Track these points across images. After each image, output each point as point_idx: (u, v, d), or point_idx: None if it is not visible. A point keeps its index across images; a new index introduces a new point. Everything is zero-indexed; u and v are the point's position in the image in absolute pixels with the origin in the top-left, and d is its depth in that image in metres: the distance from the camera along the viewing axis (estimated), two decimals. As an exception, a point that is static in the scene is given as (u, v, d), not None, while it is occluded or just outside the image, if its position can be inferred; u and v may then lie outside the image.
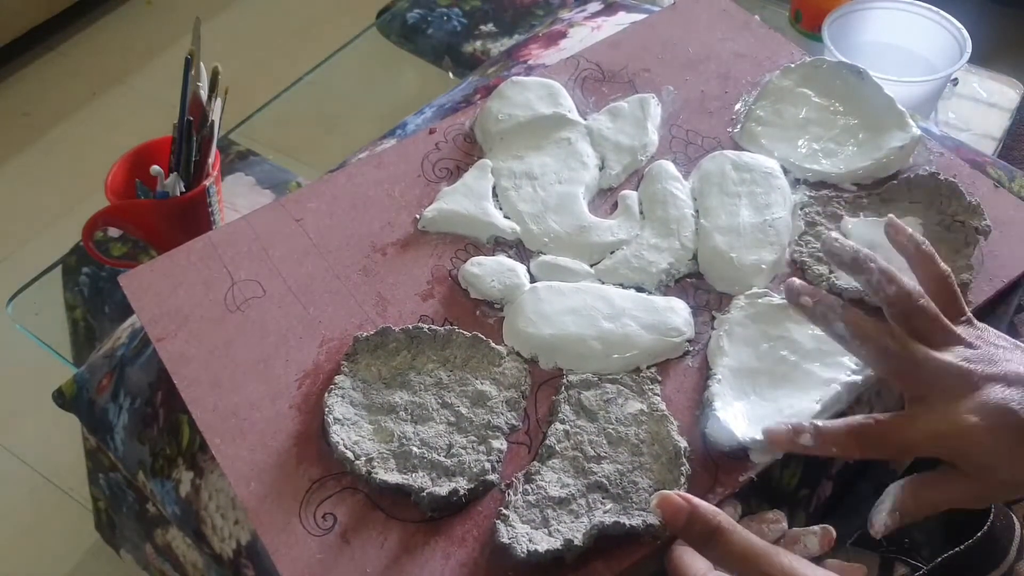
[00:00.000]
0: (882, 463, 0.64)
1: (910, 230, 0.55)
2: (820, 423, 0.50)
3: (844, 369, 0.57)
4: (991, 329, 0.53)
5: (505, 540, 0.49)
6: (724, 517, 0.45)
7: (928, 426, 0.49)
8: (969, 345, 0.51)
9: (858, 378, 0.56)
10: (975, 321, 0.53)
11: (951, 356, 0.50)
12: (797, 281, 0.53)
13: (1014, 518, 0.57)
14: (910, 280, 0.53)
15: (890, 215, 0.56)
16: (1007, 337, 0.52)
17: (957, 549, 0.54)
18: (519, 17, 1.16)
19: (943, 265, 0.54)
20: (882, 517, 0.51)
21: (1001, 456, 0.48)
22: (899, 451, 0.52)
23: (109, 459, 0.75)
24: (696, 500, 0.45)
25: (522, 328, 0.60)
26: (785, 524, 0.52)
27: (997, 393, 0.48)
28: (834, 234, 0.54)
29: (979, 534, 0.54)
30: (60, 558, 1.17)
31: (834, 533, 0.51)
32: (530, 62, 0.86)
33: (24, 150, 1.74)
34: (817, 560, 0.50)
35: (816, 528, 0.51)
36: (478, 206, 0.67)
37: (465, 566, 0.50)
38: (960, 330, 0.52)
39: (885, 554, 0.60)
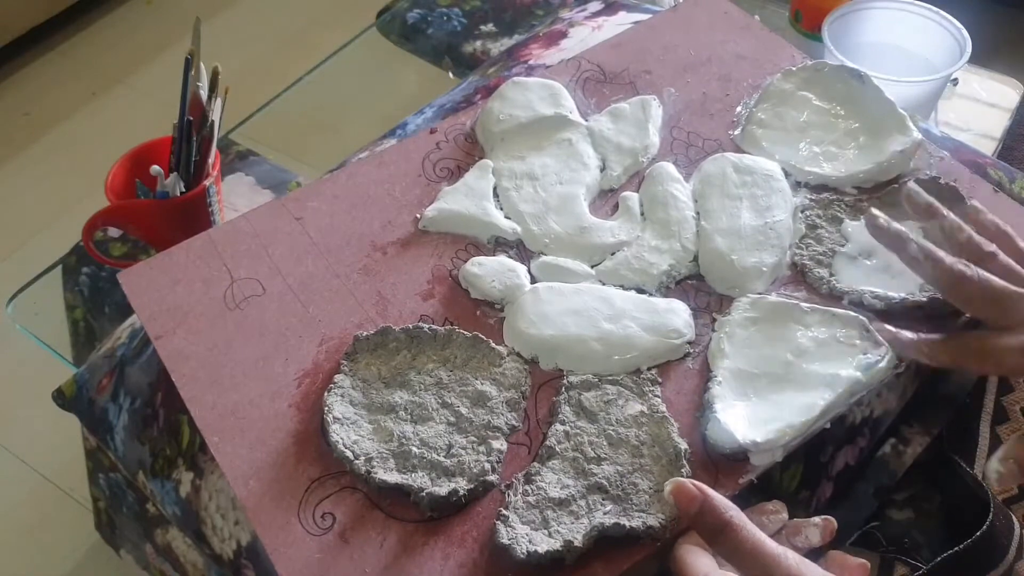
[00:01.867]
0: (883, 465, 0.64)
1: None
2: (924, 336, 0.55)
3: (845, 371, 0.56)
4: None
5: (505, 541, 0.49)
6: (736, 512, 0.45)
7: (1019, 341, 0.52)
8: None
9: (860, 378, 0.56)
10: None
11: None
12: (875, 212, 0.58)
13: (1014, 518, 0.57)
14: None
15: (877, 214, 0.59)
16: None
17: (957, 549, 0.54)
18: (519, 17, 1.16)
19: (1021, 243, 0.58)
20: (995, 464, 0.55)
21: None
22: (990, 359, 0.54)
23: (109, 459, 0.75)
24: (710, 491, 0.45)
25: (523, 329, 0.60)
26: (785, 515, 0.52)
27: None
28: (912, 185, 0.59)
29: (979, 534, 0.54)
30: (60, 558, 1.17)
31: (835, 524, 0.51)
32: (530, 62, 0.86)
33: (24, 150, 1.74)
34: (818, 552, 0.50)
35: (817, 519, 0.51)
36: (479, 206, 0.67)
37: (464, 567, 0.50)
38: None
39: (885, 554, 0.60)
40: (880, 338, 0.58)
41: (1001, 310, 0.53)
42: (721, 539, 0.44)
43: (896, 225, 0.56)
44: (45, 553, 1.18)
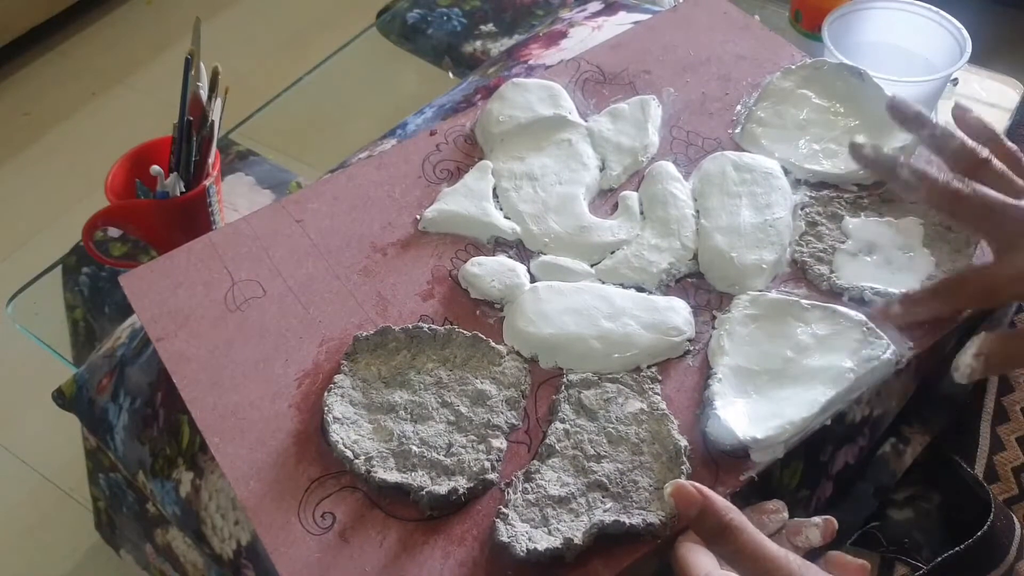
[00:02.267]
0: (883, 465, 0.64)
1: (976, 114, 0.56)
2: (906, 291, 0.53)
3: (845, 367, 0.56)
4: None
5: (505, 539, 0.49)
6: (736, 514, 0.45)
7: (1018, 267, 0.49)
8: None
9: (859, 376, 0.56)
10: None
11: None
12: (860, 140, 0.54)
13: (1014, 518, 0.57)
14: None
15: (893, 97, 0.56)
16: None
17: (957, 549, 0.54)
18: (519, 17, 1.16)
19: (1010, 144, 0.55)
20: (967, 359, 0.51)
21: None
22: (987, 295, 0.52)
23: (109, 459, 0.75)
24: (710, 493, 0.45)
25: (522, 328, 0.60)
26: (786, 514, 0.52)
27: None
28: (897, 96, 0.55)
29: (979, 534, 0.54)
30: (60, 558, 1.17)
31: (836, 524, 0.51)
32: (530, 62, 0.86)
33: (24, 150, 1.74)
34: (818, 552, 0.50)
35: (818, 519, 0.51)
36: (478, 207, 0.67)
37: (464, 565, 0.50)
38: None
39: (885, 554, 0.60)
40: (881, 333, 0.58)
41: (997, 223, 0.51)
42: (722, 541, 0.44)
43: (884, 150, 0.54)
44: (45, 553, 1.18)
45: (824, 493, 0.61)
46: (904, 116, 0.56)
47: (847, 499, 0.63)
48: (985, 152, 0.54)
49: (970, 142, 0.54)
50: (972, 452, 0.62)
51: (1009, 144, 0.55)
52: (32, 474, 1.27)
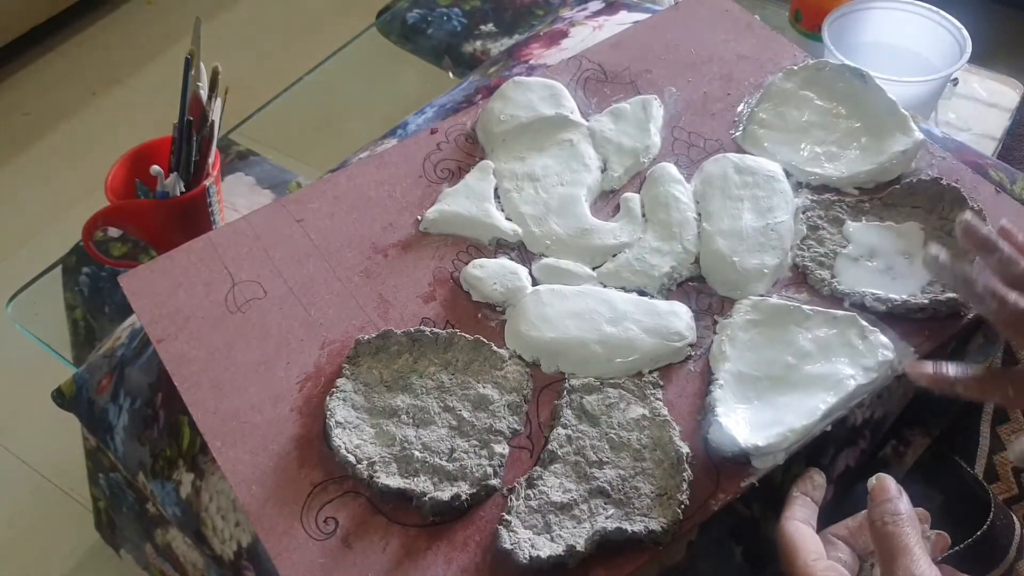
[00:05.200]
0: (884, 467, 0.64)
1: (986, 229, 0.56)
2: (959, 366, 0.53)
3: (846, 373, 0.56)
4: None
5: (507, 546, 0.49)
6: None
7: None
8: None
9: (860, 382, 0.56)
10: None
11: None
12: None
13: (1014, 518, 0.57)
14: None
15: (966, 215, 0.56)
16: None
17: (957, 548, 0.54)
18: (519, 17, 1.15)
19: None
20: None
21: None
22: None
23: (109, 459, 0.75)
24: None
25: (524, 331, 0.59)
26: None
27: None
28: (969, 217, 0.55)
29: (979, 533, 0.54)
30: (60, 558, 1.17)
31: (948, 540, 0.51)
32: (531, 62, 0.86)
33: (24, 150, 1.73)
34: None
35: (931, 534, 0.51)
36: (480, 207, 0.67)
37: (467, 571, 0.50)
38: None
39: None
40: (882, 340, 0.58)
41: None
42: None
43: (960, 265, 0.54)
44: (45, 553, 1.18)
45: (825, 496, 0.61)
46: (974, 238, 0.55)
47: (848, 502, 0.63)
48: None
49: None
50: (972, 452, 0.62)
51: None
52: (32, 474, 1.26)
